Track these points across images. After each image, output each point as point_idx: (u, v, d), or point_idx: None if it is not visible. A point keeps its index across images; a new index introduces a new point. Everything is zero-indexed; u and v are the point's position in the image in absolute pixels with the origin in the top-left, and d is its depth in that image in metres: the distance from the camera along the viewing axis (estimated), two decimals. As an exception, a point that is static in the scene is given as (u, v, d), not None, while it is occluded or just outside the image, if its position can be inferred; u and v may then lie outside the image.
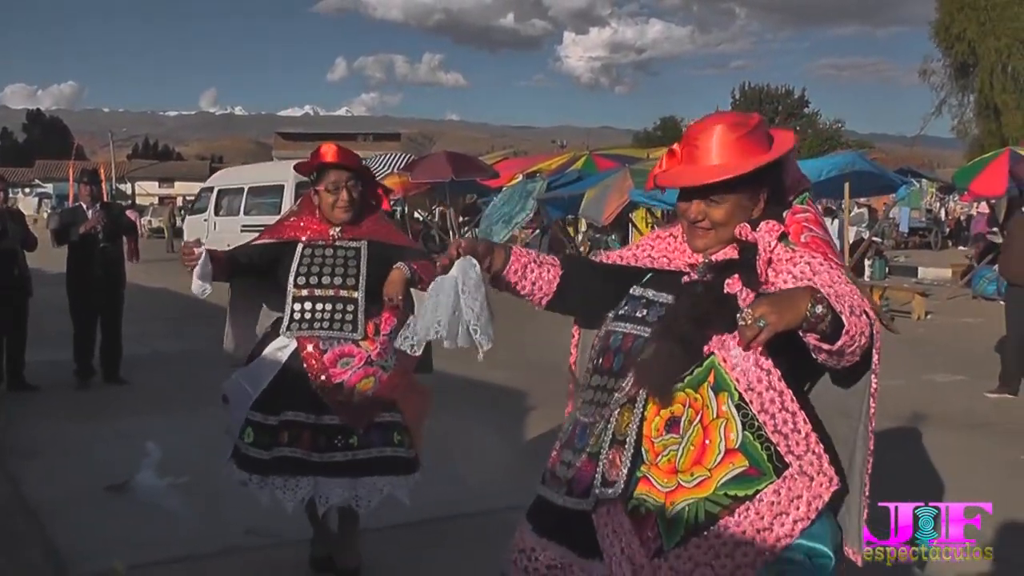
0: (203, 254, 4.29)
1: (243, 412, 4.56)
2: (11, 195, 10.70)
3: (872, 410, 2.39)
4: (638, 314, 2.63)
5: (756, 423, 2.40)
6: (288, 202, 21.27)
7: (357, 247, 4.63)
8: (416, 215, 29.29)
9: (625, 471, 2.48)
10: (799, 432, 2.39)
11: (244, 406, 4.57)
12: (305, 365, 4.49)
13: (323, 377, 4.46)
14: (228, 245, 19.19)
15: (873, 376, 2.34)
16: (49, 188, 63.92)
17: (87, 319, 10.05)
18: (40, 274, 10.21)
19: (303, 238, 4.63)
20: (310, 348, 4.50)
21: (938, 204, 44.05)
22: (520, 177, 23.58)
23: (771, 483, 2.39)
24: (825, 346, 2.19)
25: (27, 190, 66.66)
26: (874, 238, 23.77)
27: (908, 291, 16.25)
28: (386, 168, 27.35)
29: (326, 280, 4.55)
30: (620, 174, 15.79)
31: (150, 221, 45.74)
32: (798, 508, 2.39)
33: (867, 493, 2.48)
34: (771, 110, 70.78)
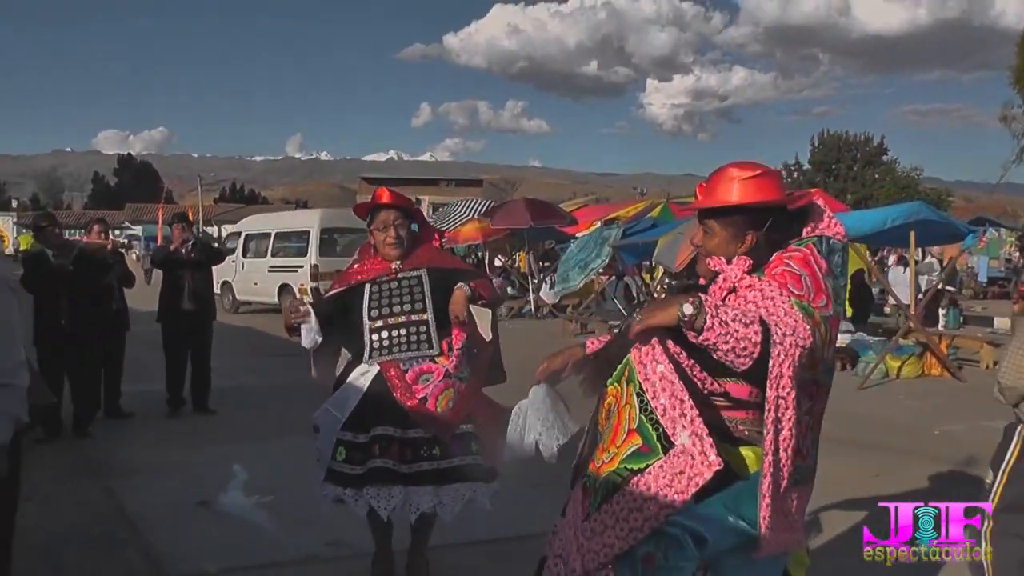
0: (309, 312, 4.94)
1: (332, 436, 5.02)
2: (111, 235, 11.34)
3: (787, 416, 2.71)
4: None
5: (649, 408, 2.86)
6: (314, 246, 22.71)
7: (418, 275, 5.14)
8: (497, 260, 29.73)
9: (585, 452, 3.15)
10: (686, 416, 2.80)
11: (333, 431, 5.03)
12: (389, 386, 4.96)
13: (408, 395, 4.93)
14: (255, 284, 19.50)
15: (778, 384, 2.67)
16: (138, 230, 65.54)
17: (179, 352, 10.66)
18: (134, 312, 10.81)
19: (368, 278, 5.14)
20: (392, 372, 4.97)
21: (1017, 253, 43.06)
22: (598, 224, 23.91)
23: (659, 459, 2.83)
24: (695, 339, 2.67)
25: (117, 232, 68.44)
26: (947, 287, 23.65)
27: (977, 341, 16.25)
28: (467, 213, 27.87)
29: (396, 308, 5.06)
30: (693, 221, 15.75)
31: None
32: (680, 482, 2.79)
33: (769, 487, 2.75)
34: (849, 157, 70.03)
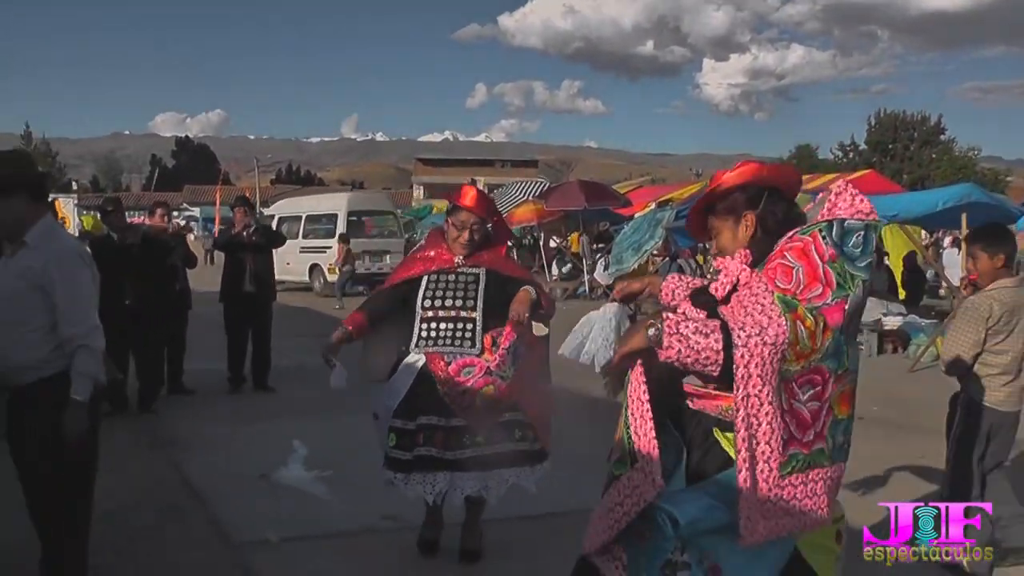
0: (337, 366, 5.19)
1: (386, 423, 5.28)
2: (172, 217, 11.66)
3: (764, 411, 2.82)
4: None
5: (627, 421, 3.10)
6: (340, 228, 24.21)
7: (477, 273, 5.35)
8: (552, 242, 29.83)
9: None
10: (646, 436, 3.01)
11: (387, 418, 5.28)
12: (434, 376, 5.18)
13: (450, 385, 5.15)
14: (288, 264, 19.53)
15: (747, 383, 2.79)
16: (196, 212, 66.19)
17: (240, 332, 11.00)
18: (196, 292, 11.13)
19: (432, 268, 5.36)
20: (438, 363, 5.20)
21: None
22: (652, 206, 23.96)
23: (627, 472, 3.08)
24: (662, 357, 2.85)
25: (175, 213, 69.14)
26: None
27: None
28: (522, 195, 28.05)
29: (448, 303, 5.28)
30: None
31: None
32: (631, 498, 3.05)
33: (746, 480, 2.88)
34: (906, 137, 69.19)
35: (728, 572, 3.00)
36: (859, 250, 2.95)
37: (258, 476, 7.22)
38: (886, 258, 19.87)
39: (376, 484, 5.41)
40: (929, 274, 21.38)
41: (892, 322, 15.49)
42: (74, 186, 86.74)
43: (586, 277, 24.96)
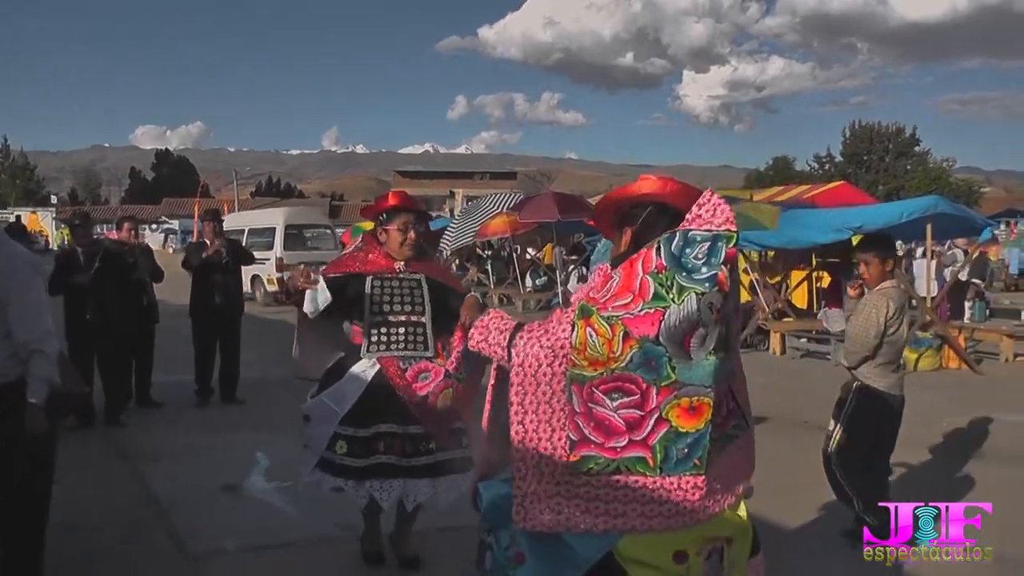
0: (319, 280, 5.22)
1: (329, 428, 5.33)
2: (140, 231, 11.68)
3: (532, 411, 3.02)
4: None
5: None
6: (279, 241, 25.85)
7: (418, 279, 5.43)
8: (527, 253, 29.89)
9: None
10: (484, 420, 3.41)
11: (330, 422, 5.34)
12: (391, 383, 5.26)
13: (409, 392, 5.24)
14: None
15: (518, 384, 3.02)
16: (175, 224, 66.10)
17: (208, 344, 11.03)
18: (165, 304, 11.16)
19: (370, 271, 5.39)
20: (392, 368, 5.28)
21: None
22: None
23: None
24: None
25: (154, 226, 68.99)
26: (974, 280, 23.60)
27: (997, 333, 16.33)
28: (496, 208, 28.09)
29: (396, 307, 5.34)
30: None
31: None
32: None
33: (516, 471, 3.05)
34: (881, 148, 69.77)
35: (530, 561, 3.09)
36: (701, 262, 2.91)
37: (221, 487, 7.33)
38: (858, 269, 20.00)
39: (334, 494, 5.49)
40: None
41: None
42: (53, 199, 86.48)
43: (559, 288, 25.06)
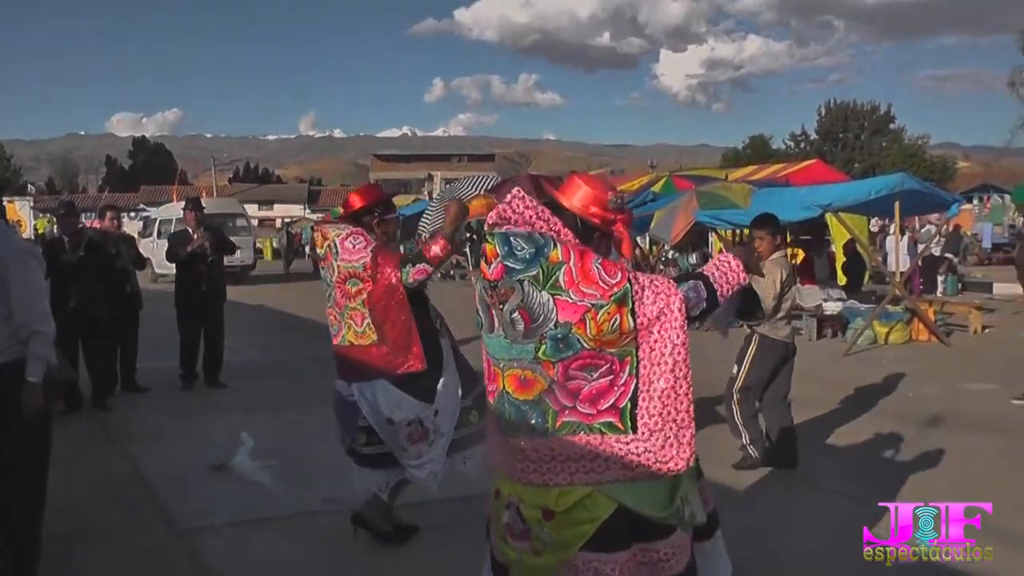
0: None
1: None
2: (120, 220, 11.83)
3: None
4: None
5: None
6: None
7: None
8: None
9: None
10: None
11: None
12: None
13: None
14: (164, 259, 18.52)
15: None
16: (153, 212, 65.86)
17: (192, 330, 11.24)
18: (148, 291, 11.33)
19: None
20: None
21: (1021, 219, 42.81)
22: (610, 196, 24.05)
23: None
24: None
25: (132, 214, 68.53)
26: (947, 255, 23.97)
27: (965, 306, 16.65)
28: (473, 190, 28.26)
29: None
30: (687, 195, 16.08)
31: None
32: None
33: None
34: (856, 126, 70.10)
35: None
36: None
37: (207, 467, 7.54)
38: (831, 245, 20.34)
39: (317, 470, 5.73)
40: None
41: (832, 307, 15.97)
42: (30, 188, 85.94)
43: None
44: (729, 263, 3.45)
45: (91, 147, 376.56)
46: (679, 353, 3.24)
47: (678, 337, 3.24)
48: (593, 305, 3.17)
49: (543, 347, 3.24)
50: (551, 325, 3.21)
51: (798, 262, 18.93)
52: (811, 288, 16.60)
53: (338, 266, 5.46)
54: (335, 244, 5.50)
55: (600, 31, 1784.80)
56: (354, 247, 5.43)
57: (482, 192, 27.44)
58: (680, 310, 3.24)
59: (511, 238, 3.30)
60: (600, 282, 3.19)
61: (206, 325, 11.25)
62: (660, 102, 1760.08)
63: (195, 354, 11.30)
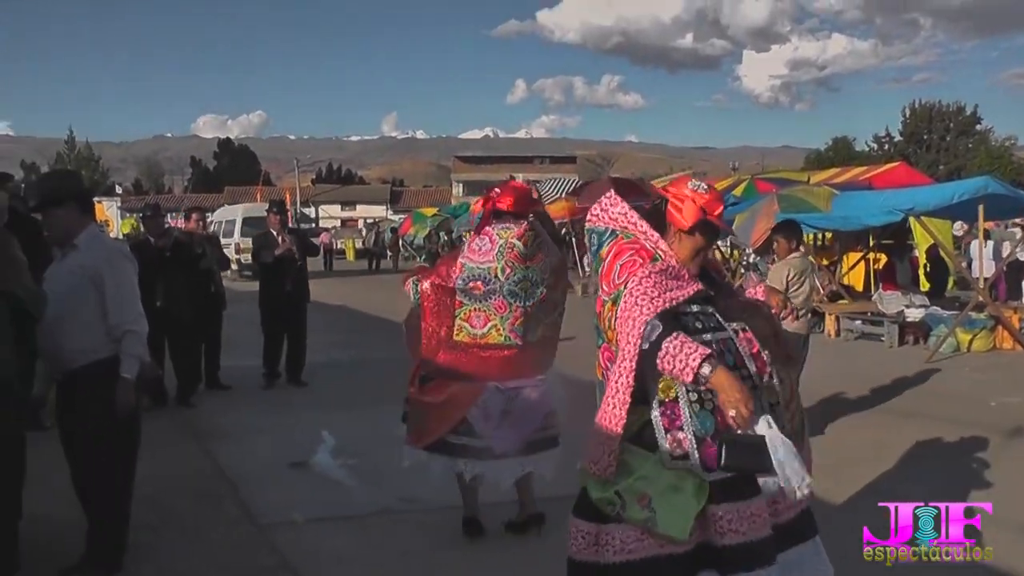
0: None
1: None
2: (207, 221, 12.09)
3: None
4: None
5: None
6: (237, 232, 33.26)
7: None
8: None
9: None
10: None
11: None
12: None
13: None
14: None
15: None
16: (211, 214, 66.80)
17: (276, 330, 11.44)
18: (232, 291, 11.54)
19: None
20: None
21: None
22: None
23: None
24: None
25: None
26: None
27: (1050, 312, 16.31)
28: (555, 192, 28.30)
29: None
30: (768, 199, 15.95)
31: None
32: None
33: None
34: (941, 128, 68.79)
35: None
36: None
37: (288, 464, 7.71)
38: (914, 250, 20.05)
39: (396, 469, 5.84)
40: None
41: (914, 314, 15.72)
42: (118, 189, 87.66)
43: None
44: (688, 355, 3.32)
45: (177, 149, 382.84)
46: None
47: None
48: (605, 300, 3.57)
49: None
50: (596, 314, 3.66)
51: (879, 267, 18.71)
52: (893, 294, 16.37)
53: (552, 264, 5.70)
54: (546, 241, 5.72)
55: (683, 33, 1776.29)
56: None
57: (564, 195, 27.65)
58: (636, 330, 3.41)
59: (591, 234, 3.76)
60: (612, 279, 3.55)
61: (289, 325, 11.42)
62: (742, 103, 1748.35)
63: (278, 354, 11.48)
